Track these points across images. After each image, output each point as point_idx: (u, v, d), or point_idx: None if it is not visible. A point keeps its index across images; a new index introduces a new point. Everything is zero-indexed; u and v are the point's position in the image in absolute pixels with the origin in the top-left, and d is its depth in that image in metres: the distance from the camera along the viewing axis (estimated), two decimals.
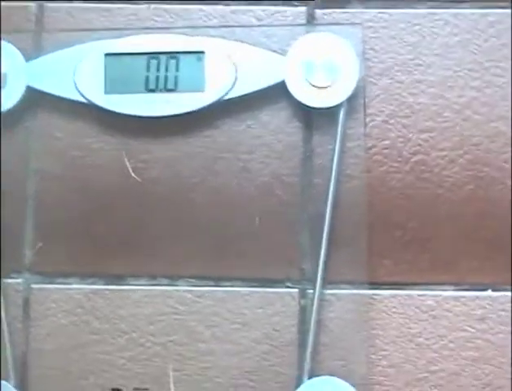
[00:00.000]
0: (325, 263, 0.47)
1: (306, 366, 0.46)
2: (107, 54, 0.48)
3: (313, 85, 0.47)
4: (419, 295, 0.47)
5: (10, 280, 0.48)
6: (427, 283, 0.47)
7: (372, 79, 0.48)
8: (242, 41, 0.48)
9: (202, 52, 0.47)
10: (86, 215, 0.48)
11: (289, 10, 0.49)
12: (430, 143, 0.48)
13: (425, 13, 0.49)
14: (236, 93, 0.47)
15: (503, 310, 0.47)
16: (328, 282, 0.47)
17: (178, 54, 0.47)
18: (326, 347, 0.47)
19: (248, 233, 0.48)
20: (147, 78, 0.48)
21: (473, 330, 0.47)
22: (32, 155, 0.49)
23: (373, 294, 0.47)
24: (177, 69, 0.47)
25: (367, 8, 0.49)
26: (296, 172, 0.48)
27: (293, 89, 0.47)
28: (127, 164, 0.48)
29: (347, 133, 0.48)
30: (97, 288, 0.48)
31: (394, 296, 0.47)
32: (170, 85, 0.47)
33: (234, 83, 0.47)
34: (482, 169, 0.48)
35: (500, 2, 0.49)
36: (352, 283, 0.47)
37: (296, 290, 0.48)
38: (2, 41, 0.48)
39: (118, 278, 0.48)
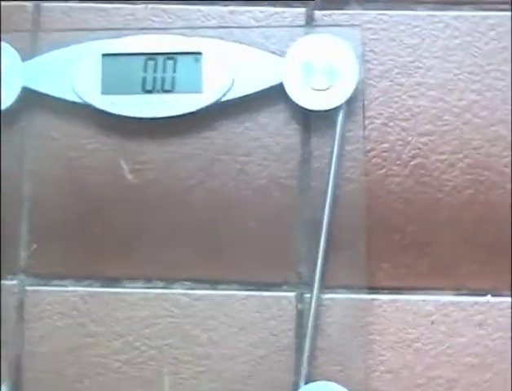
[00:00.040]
0: (323, 267, 0.46)
1: (303, 370, 0.46)
2: (104, 55, 0.48)
3: (312, 88, 0.47)
4: (418, 300, 0.47)
5: (4, 282, 0.48)
6: (426, 287, 0.47)
7: (371, 81, 0.48)
8: (240, 42, 0.48)
9: (200, 53, 0.47)
10: (82, 216, 0.48)
11: (287, 11, 0.49)
12: (429, 147, 0.48)
13: (425, 15, 0.49)
14: (233, 94, 0.47)
15: (502, 316, 0.47)
16: (325, 286, 0.47)
17: (175, 55, 0.47)
18: (323, 352, 0.47)
19: (245, 236, 0.48)
20: (144, 79, 0.47)
21: (472, 336, 0.47)
22: (28, 156, 0.49)
23: (372, 299, 0.47)
24: (174, 70, 0.47)
25: (366, 10, 0.49)
26: (294, 174, 0.48)
27: (291, 91, 0.47)
28: (124, 165, 0.48)
29: (346, 135, 0.47)
30: (92, 291, 0.48)
31: (392, 301, 0.47)
32: (168, 86, 0.47)
33: (232, 84, 0.47)
34: (482, 173, 0.48)
35: (501, 5, 0.48)
36: (350, 288, 0.47)
37: (293, 294, 0.47)
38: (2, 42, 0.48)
39: (114, 281, 0.48)
